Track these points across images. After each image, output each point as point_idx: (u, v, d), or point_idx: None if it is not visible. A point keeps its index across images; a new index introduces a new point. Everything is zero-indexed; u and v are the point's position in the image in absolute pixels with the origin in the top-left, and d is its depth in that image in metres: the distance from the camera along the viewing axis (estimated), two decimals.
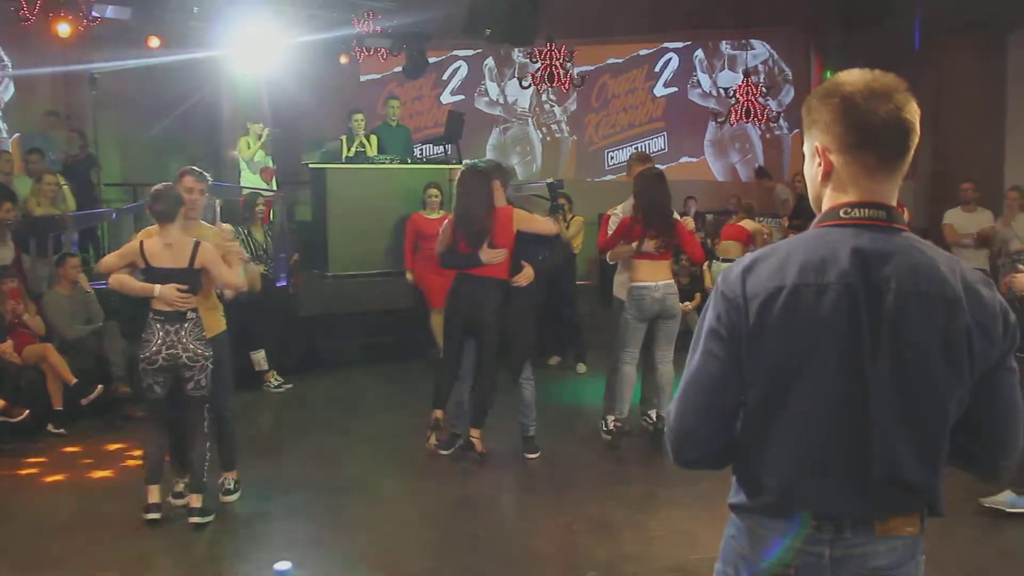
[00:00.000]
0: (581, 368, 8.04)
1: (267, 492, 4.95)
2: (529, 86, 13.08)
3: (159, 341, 4.28)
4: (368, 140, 9.08)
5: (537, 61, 12.42)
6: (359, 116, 9.17)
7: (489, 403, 5.39)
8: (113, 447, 5.87)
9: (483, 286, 5.28)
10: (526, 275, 5.38)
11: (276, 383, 7.46)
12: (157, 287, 4.27)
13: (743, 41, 13.81)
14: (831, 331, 1.51)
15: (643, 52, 14.22)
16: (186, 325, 4.32)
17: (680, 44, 14.24)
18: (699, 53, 14.31)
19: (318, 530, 4.44)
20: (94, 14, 9.54)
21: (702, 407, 1.62)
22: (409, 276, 8.02)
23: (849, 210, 1.56)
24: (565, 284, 8.04)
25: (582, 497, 4.91)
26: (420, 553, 4.22)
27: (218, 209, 7.79)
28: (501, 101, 14.18)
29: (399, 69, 12.13)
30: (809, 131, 1.62)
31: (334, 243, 8.58)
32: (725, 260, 8.36)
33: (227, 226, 4.92)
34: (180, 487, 4.65)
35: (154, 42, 9.96)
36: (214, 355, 4.43)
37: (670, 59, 14.30)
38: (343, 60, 11.33)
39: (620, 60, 14.22)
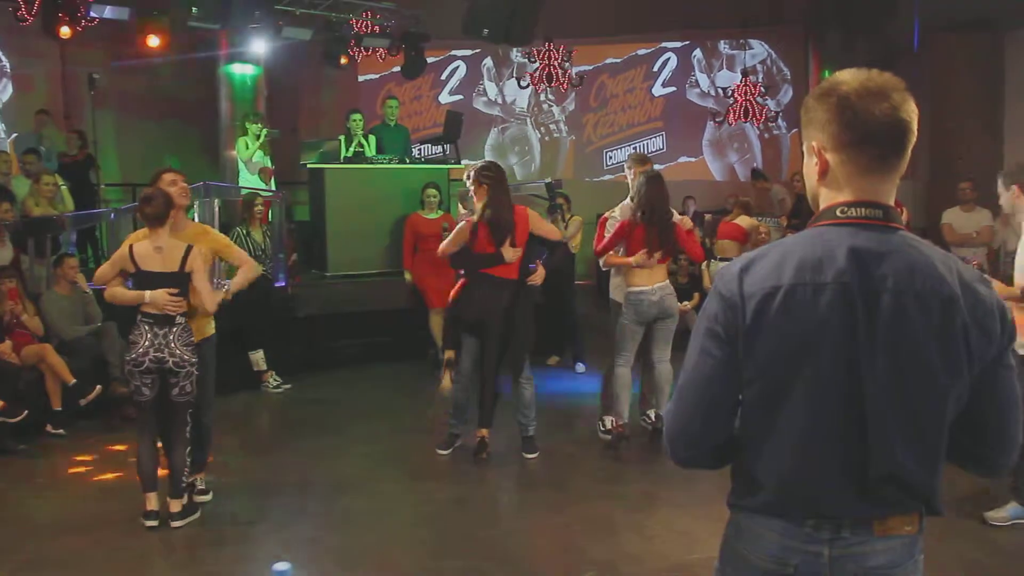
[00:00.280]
0: (580, 368, 8.04)
1: (266, 492, 4.96)
2: (527, 86, 13.12)
3: (146, 343, 4.26)
4: (366, 140, 9.08)
5: (535, 61, 12.46)
6: (357, 116, 9.17)
7: (496, 401, 5.41)
8: (112, 447, 5.86)
9: (500, 287, 5.25)
10: (540, 275, 5.40)
11: (275, 383, 7.45)
12: (148, 293, 4.25)
13: (741, 41, 13.79)
14: (828, 330, 1.51)
15: (641, 52, 14.22)
16: (175, 330, 4.29)
17: (678, 44, 14.25)
18: (697, 53, 14.31)
19: (317, 530, 4.44)
20: (92, 14, 9.54)
21: (700, 406, 1.62)
22: (408, 276, 8.01)
23: (846, 209, 1.56)
24: (564, 284, 8.03)
25: (581, 497, 4.91)
26: (419, 553, 4.22)
27: (217, 209, 7.79)
28: (499, 101, 14.19)
29: (397, 69, 12.15)
30: (806, 130, 1.62)
31: (333, 243, 8.59)
32: (723, 259, 8.35)
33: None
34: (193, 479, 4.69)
35: (154, 42, 9.96)
36: (200, 358, 4.41)
37: (668, 59, 14.30)
38: (342, 61, 11.34)
39: (618, 60, 14.23)
